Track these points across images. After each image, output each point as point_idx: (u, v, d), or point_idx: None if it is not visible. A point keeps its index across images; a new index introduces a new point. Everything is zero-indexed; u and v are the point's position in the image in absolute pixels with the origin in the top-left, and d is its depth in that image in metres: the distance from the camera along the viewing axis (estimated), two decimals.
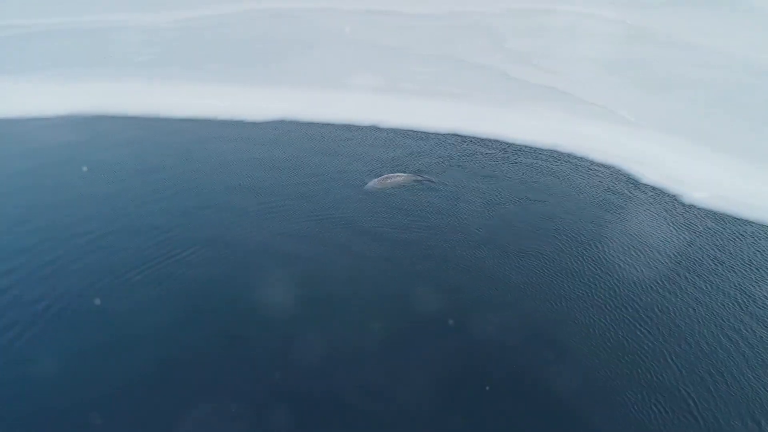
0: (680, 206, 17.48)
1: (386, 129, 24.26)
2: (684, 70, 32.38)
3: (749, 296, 13.33)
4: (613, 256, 14.86)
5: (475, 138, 23.08)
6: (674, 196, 18.01)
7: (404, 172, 19.53)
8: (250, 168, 20.82)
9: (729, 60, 34.08)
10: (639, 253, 15.03)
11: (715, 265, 14.59)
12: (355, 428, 10.58)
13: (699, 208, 17.30)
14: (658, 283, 13.83)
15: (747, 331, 12.24)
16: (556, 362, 11.67)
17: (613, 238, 15.70)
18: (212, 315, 13.23)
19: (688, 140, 21.94)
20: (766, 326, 12.38)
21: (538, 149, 21.89)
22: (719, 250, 15.21)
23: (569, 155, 21.31)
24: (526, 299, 13.45)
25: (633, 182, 19.10)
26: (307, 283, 14.17)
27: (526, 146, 22.17)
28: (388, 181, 18.86)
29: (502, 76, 31.56)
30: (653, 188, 18.64)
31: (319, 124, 25.14)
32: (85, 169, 20.72)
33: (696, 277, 14.05)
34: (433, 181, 19.07)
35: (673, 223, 16.50)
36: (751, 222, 16.54)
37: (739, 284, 13.79)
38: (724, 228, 16.31)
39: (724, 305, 13.08)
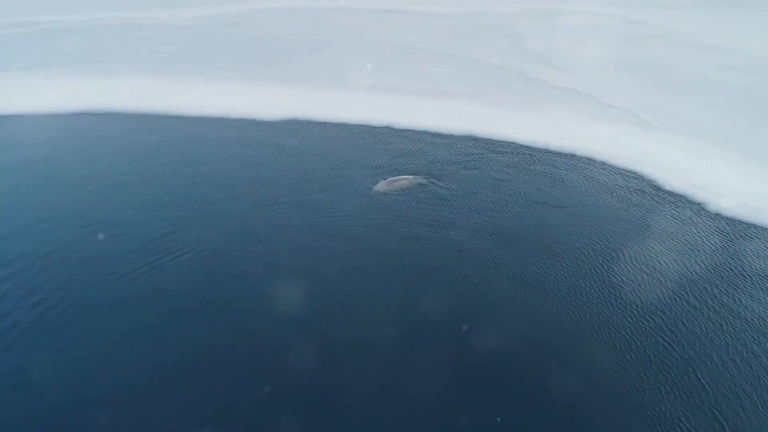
0: (706, 214, 16.74)
1: (400, 129, 23.81)
2: (708, 71, 31.42)
3: None
4: (636, 266, 14.18)
5: (491, 140, 22.47)
6: (699, 203, 17.26)
7: (414, 174, 19.02)
8: (261, 166, 20.59)
9: (755, 62, 33.05)
10: (663, 263, 14.34)
11: (744, 277, 13.85)
12: (357, 429, 10.23)
13: (725, 217, 16.53)
14: (685, 293, 13.14)
15: None
16: (577, 371, 11.12)
17: (635, 246, 15.03)
18: (216, 313, 12.96)
19: (713, 145, 21.09)
20: None
21: (556, 153, 21.21)
22: (748, 260, 14.46)
23: (588, 159, 20.60)
24: (549, 304, 12.88)
25: (655, 188, 18.35)
26: (313, 279, 13.98)
27: (543, 149, 21.52)
28: (396, 183, 18.35)
29: (520, 77, 30.94)
30: (676, 195, 17.86)
31: (332, 124, 24.81)
32: (95, 165, 20.65)
33: (728, 289, 13.31)
34: (443, 185, 18.55)
35: (698, 232, 15.78)
36: None
37: None
38: (753, 238, 15.57)
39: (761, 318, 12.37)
